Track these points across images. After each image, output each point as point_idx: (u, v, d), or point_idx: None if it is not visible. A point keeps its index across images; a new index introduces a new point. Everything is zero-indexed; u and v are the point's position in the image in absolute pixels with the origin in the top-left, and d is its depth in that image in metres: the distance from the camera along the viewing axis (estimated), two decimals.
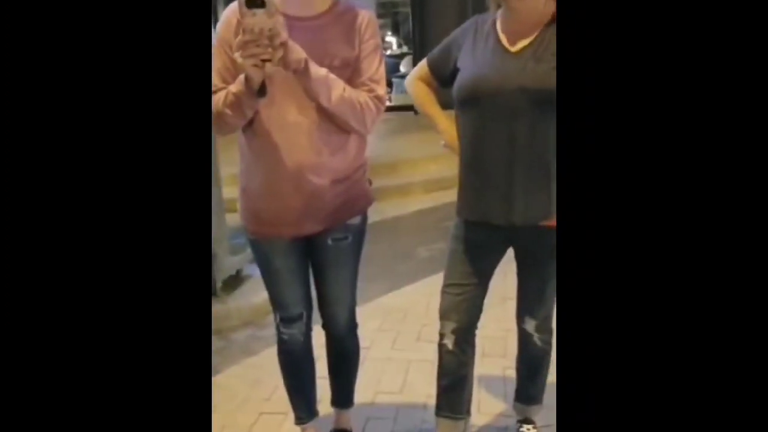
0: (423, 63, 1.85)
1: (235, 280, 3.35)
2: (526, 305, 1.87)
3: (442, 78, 1.79)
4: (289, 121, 1.60)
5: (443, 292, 1.85)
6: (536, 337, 1.91)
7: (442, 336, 1.85)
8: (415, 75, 1.87)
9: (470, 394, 1.94)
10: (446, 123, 1.81)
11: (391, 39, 16.77)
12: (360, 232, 1.81)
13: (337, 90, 1.58)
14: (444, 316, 1.85)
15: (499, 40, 1.65)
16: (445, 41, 1.79)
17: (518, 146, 1.59)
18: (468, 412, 1.94)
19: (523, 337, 1.94)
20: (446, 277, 1.85)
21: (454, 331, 1.83)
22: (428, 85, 1.85)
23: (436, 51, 1.81)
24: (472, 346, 1.88)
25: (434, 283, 3.41)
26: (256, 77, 1.48)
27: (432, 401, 2.13)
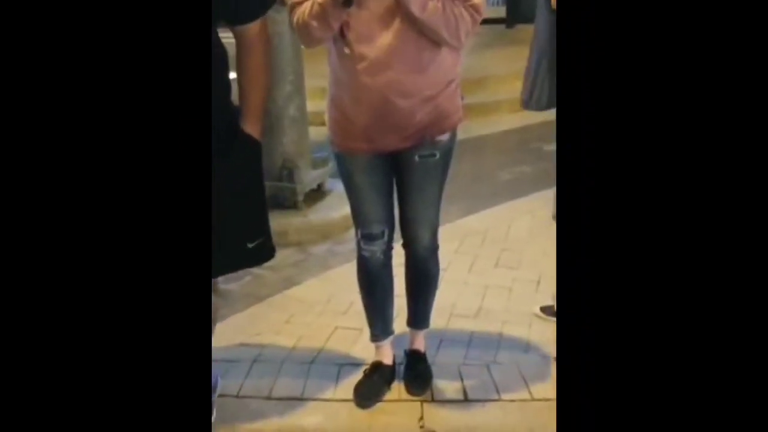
0: None
1: (316, 194, 3.38)
2: None
3: None
4: (377, 35, 1.55)
5: None
6: None
7: None
8: None
9: None
10: None
11: None
12: (448, 150, 1.76)
13: (431, 1, 1.50)
14: None
15: None
16: None
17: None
18: None
19: None
20: None
21: None
22: None
23: None
24: None
25: (514, 207, 3.38)
26: None
27: (507, 329, 2.12)
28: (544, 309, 2.32)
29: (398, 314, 2.05)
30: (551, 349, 2.13)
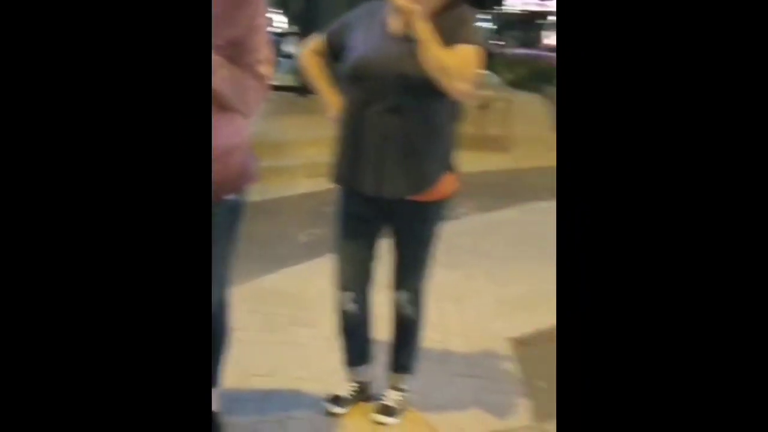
0: (321, 36, 2.01)
1: None
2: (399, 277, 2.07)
3: (336, 52, 1.96)
4: None
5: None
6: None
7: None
8: (310, 47, 2.05)
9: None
10: (334, 97, 1.99)
11: (278, 16, 16.37)
12: (232, 210, 1.73)
13: (218, 69, 1.53)
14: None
15: (388, 26, 1.82)
16: (343, 18, 1.98)
17: (391, 125, 1.82)
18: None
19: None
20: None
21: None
22: (322, 57, 2.02)
23: (336, 25, 1.99)
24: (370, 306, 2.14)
25: (311, 268, 3.45)
26: None
27: (302, 385, 2.16)
28: (332, 400, 2.20)
29: None
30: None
